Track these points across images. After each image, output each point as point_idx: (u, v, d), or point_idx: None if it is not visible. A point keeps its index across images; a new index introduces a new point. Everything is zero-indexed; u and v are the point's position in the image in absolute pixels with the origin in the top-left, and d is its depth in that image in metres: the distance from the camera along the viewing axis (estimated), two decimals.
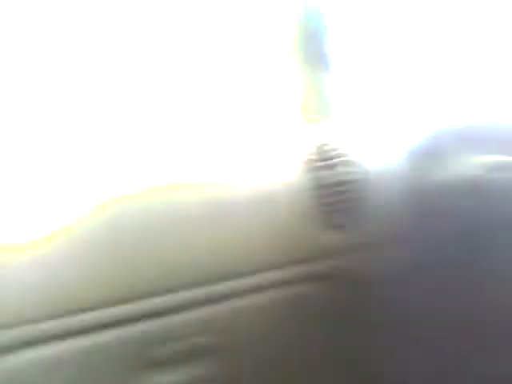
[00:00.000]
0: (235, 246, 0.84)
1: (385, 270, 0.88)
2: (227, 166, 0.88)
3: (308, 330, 0.87)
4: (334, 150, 0.91)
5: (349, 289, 0.88)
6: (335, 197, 0.87)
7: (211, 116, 0.93)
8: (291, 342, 0.87)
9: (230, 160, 0.89)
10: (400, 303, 0.87)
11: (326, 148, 0.91)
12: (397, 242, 0.89)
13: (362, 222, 0.89)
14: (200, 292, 0.82)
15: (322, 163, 0.89)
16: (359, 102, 1.03)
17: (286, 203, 0.86)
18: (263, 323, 0.85)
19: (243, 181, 0.86)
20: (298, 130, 0.96)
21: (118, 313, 0.78)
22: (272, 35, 1.02)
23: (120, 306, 0.79)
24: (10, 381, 0.75)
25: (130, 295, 0.79)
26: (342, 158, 0.90)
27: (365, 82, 1.05)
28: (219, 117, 0.93)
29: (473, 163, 0.91)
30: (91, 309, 0.77)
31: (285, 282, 0.86)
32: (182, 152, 0.89)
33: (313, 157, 0.89)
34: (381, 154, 0.93)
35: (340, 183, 0.88)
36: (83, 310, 0.77)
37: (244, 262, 0.84)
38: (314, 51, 0.99)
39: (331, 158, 0.90)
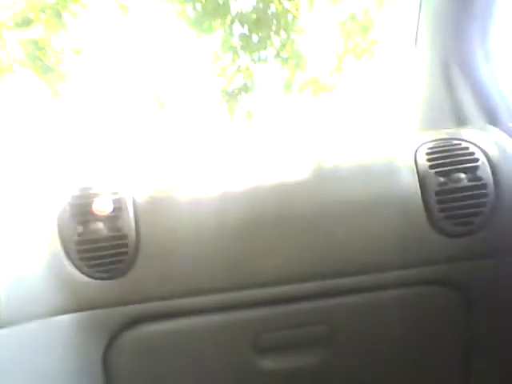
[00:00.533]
0: (361, 243, 0.84)
1: (507, 279, 0.86)
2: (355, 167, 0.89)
3: (422, 331, 0.88)
4: (460, 153, 0.87)
5: (466, 296, 0.87)
6: (460, 202, 0.84)
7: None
8: (405, 341, 0.89)
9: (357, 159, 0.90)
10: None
11: (452, 152, 0.87)
12: None
13: (487, 229, 0.85)
14: (323, 284, 0.85)
15: (448, 167, 0.86)
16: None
17: (410, 206, 0.85)
18: (380, 320, 0.87)
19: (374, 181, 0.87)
20: (425, 132, 0.96)
21: (240, 297, 0.84)
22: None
23: (246, 291, 0.84)
24: (145, 347, 0.85)
25: (258, 281, 0.84)
26: (471, 163, 0.86)
27: None
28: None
29: None
30: (226, 290, 0.84)
31: (404, 284, 0.87)
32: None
33: (438, 160, 0.86)
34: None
35: (465, 188, 0.84)
36: (219, 291, 0.84)
37: (368, 259, 0.85)
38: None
39: (457, 163, 0.86)
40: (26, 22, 3.62)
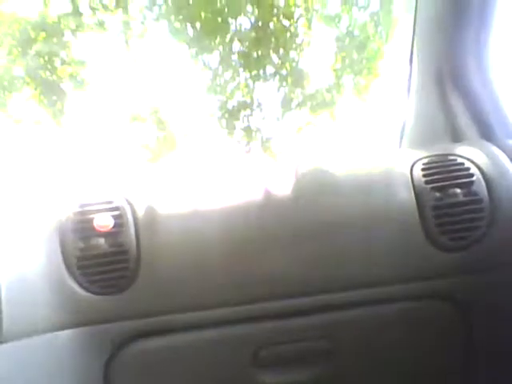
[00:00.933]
0: (359, 258, 0.85)
1: (504, 294, 0.87)
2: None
3: (420, 345, 0.89)
4: (456, 169, 0.89)
5: (462, 310, 0.88)
6: (456, 217, 0.85)
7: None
8: (404, 355, 0.90)
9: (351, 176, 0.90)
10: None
11: (447, 167, 0.89)
12: None
13: (483, 243, 0.86)
14: (322, 299, 0.85)
15: (443, 182, 0.87)
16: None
17: (406, 220, 0.86)
18: (378, 334, 0.88)
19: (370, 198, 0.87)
20: (422, 148, 0.96)
21: (241, 311, 0.84)
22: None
23: (246, 306, 0.84)
24: (140, 362, 0.85)
25: (258, 296, 0.84)
26: (466, 178, 0.87)
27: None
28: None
29: None
30: (227, 304, 0.84)
31: (401, 298, 0.87)
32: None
33: (434, 176, 0.88)
34: (507, 174, 0.89)
35: (460, 203, 0.86)
36: (219, 306, 0.84)
37: (366, 274, 0.86)
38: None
39: (453, 178, 0.87)
40: (27, 40, 3.66)
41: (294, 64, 4.44)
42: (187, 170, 0.94)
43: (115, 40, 4.09)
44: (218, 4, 4.08)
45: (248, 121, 4.48)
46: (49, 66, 3.86)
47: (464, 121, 1.04)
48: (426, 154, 0.91)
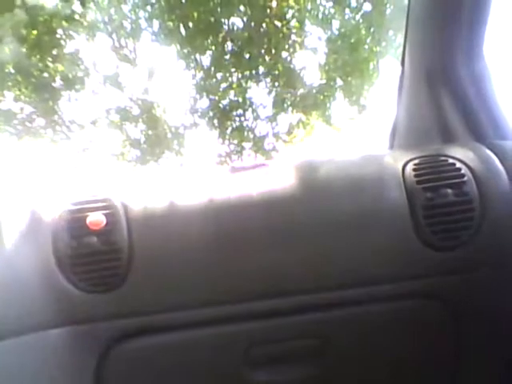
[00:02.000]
0: (351, 257, 0.85)
1: (494, 293, 0.87)
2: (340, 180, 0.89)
3: (412, 344, 0.89)
4: (447, 169, 0.88)
5: (453, 309, 0.88)
6: (446, 216, 0.85)
7: None
8: (393, 354, 0.90)
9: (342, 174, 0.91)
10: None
11: (439, 168, 0.88)
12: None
13: (474, 243, 0.85)
14: (313, 298, 0.85)
15: (435, 183, 0.86)
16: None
17: (398, 220, 0.85)
18: (371, 333, 0.88)
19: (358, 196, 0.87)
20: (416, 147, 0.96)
21: (232, 310, 0.84)
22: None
23: (237, 305, 0.84)
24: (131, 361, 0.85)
25: (251, 294, 0.84)
26: (457, 178, 0.87)
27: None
28: None
29: None
30: (219, 303, 0.84)
31: (393, 297, 0.87)
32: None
33: (425, 176, 0.87)
34: (497, 175, 0.89)
35: (451, 203, 0.85)
36: (210, 304, 0.84)
37: (357, 273, 0.86)
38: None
39: (444, 178, 0.87)
40: (19, 38, 3.64)
41: (286, 64, 4.45)
42: (179, 169, 0.94)
43: (107, 39, 4.08)
44: (211, 4, 4.08)
45: (240, 120, 4.49)
46: (40, 64, 3.84)
47: (455, 122, 1.05)
48: (417, 154, 0.91)
